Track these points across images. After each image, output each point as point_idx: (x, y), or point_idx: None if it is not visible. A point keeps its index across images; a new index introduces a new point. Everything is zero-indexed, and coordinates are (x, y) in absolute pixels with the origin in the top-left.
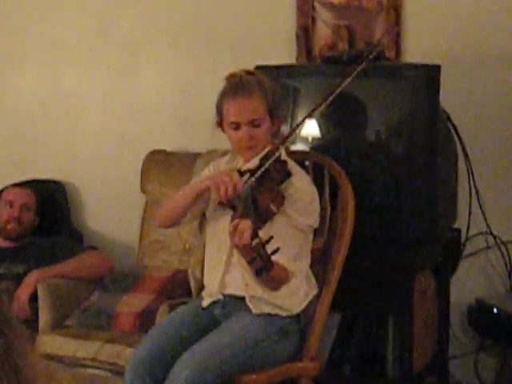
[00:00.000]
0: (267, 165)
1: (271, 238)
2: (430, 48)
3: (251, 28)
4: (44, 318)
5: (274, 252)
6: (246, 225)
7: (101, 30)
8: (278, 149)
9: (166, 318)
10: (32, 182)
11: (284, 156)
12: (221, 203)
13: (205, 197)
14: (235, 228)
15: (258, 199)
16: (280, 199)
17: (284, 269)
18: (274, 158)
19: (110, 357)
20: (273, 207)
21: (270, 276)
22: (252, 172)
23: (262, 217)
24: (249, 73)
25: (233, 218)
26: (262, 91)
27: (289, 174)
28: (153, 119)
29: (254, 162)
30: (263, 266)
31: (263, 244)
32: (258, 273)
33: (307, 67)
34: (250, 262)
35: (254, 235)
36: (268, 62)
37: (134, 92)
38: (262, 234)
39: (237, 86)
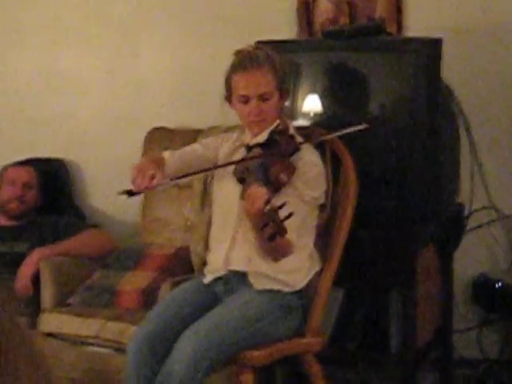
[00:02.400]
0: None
1: (284, 203)
2: (432, 22)
3: (252, 3)
4: (47, 296)
5: (288, 217)
6: (259, 191)
7: (101, 7)
8: (287, 124)
9: (169, 296)
10: (34, 160)
11: (292, 131)
12: (129, 192)
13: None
14: (248, 196)
15: (268, 169)
16: (291, 169)
17: (288, 240)
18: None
19: (113, 334)
20: (283, 176)
21: (279, 243)
22: (261, 146)
23: (272, 186)
24: (258, 47)
25: (244, 190)
26: (271, 65)
27: (298, 148)
28: (154, 96)
29: (262, 136)
30: (277, 231)
31: (276, 209)
32: (271, 238)
33: (308, 42)
34: (263, 228)
35: (267, 202)
36: (269, 37)
37: (134, 69)
38: (274, 202)
39: (246, 59)
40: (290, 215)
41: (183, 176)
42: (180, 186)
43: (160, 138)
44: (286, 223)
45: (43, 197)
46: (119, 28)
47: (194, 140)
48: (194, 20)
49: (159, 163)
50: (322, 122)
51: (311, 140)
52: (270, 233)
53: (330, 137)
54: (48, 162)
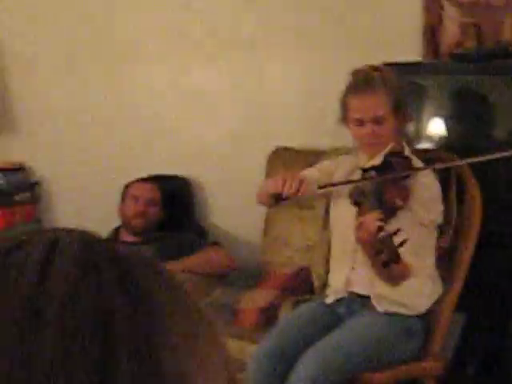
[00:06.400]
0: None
1: (399, 230)
2: None
3: (378, 25)
4: None
5: (402, 243)
6: (372, 218)
7: (229, 27)
8: (403, 146)
9: (290, 315)
10: (157, 177)
11: (408, 153)
12: (274, 197)
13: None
14: (361, 223)
15: (383, 194)
16: (405, 193)
17: (405, 263)
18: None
19: (233, 353)
20: (398, 201)
21: (394, 269)
22: (376, 168)
23: (387, 211)
24: (374, 68)
25: (359, 214)
26: (386, 88)
27: (413, 170)
28: (279, 116)
29: (377, 159)
30: (390, 258)
31: (390, 236)
32: (384, 264)
33: (435, 64)
34: (377, 255)
35: (381, 228)
36: (394, 59)
37: (260, 89)
38: (388, 227)
39: (361, 82)
40: (404, 242)
41: (331, 185)
42: (302, 206)
43: (283, 158)
44: (401, 249)
45: (166, 214)
46: (246, 48)
47: (317, 161)
48: (321, 41)
49: None
50: (447, 146)
51: (434, 164)
52: (384, 260)
53: (455, 164)
54: (171, 179)
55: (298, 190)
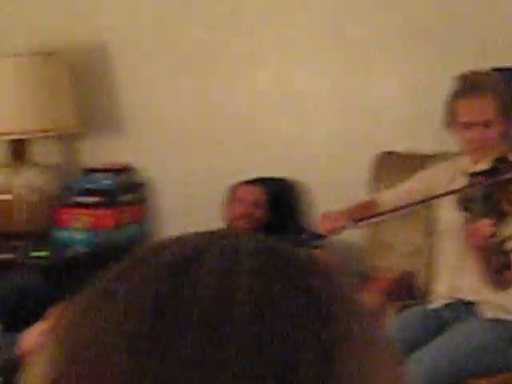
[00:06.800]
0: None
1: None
2: None
3: (486, 30)
4: None
5: None
6: (484, 224)
7: (334, 29)
8: (508, 152)
9: (395, 320)
10: (263, 179)
11: None
12: (314, 235)
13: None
14: (473, 230)
15: (493, 199)
16: None
17: None
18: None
19: None
20: (508, 207)
21: (506, 276)
22: (485, 173)
23: (497, 217)
24: (481, 73)
25: (469, 221)
26: (494, 92)
27: None
28: (384, 119)
29: (485, 164)
30: (504, 264)
31: (503, 241)
32: (497, 270)
33: None
34: (488, 260)
35: (493, 234)
36: (502, 63)
37: (365, 92)
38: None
39: (470, 85)
40: None
41: (368, 217)
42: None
43: (389, 162)
44: None
45: (271, 216)
46: (352, 50)
47: (423, 165)
48: (428, 44)
49: (358, 208)
50: None
51: None
52: (497, 265)
53: None
54: (276, 181)
55: (332, 230)
